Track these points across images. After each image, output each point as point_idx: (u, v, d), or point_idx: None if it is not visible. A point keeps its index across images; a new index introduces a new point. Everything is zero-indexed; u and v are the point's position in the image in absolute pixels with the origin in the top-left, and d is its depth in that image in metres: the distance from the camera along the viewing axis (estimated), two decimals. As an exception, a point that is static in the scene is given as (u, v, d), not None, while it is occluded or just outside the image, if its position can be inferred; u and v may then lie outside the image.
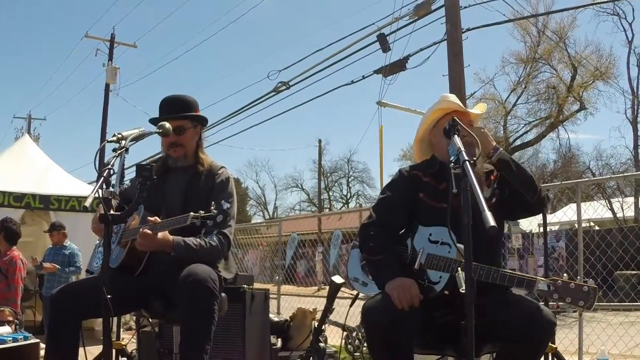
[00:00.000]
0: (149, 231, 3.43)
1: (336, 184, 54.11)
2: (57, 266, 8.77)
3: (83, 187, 10.81)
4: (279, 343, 6.53)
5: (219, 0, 71.13)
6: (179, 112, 3.84)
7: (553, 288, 2.91)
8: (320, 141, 44.86)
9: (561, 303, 2.94)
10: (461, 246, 2.81)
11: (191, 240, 3.56)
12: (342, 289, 4.91)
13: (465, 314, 2.43)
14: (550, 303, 4.32)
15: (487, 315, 2.81)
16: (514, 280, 2.97)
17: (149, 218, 3.52)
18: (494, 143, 3.21)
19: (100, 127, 23.25)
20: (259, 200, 58.25)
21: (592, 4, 22.32)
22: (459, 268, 2.88)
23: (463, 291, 2.55)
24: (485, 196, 2.41)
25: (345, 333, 7.80)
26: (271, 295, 8.90)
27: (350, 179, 53.29)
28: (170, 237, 3.50)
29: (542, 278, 2.96)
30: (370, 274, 3.34)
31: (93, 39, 24.46)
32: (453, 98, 3.41)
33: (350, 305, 4.68)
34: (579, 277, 6.40)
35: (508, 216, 3.41)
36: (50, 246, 9.24)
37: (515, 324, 2.85)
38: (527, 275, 3.00)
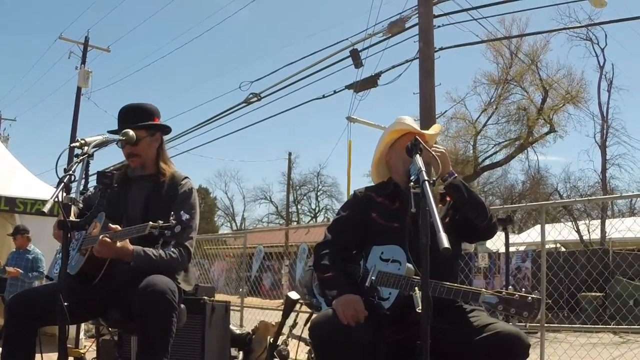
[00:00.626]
0: (107, 239, 3.41)
1: (305, 198, 54.17)
2: (20, 271, 8.67)
3: (50, 191, 10.60)
4: (240, 356, 6.52)
5: (194, 9, 70.86)
6: (133, 122, 3.80)
7: (497, 300, 2.93)
8: (290, 154, 44.84)
9: (506, 313, 2.96)
10: (409, 265, 2.88)
11: (151, 251, 3.55)
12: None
13: (418, 333, 2.43)
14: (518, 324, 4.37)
15: (454, 337, 2.86)
16: (459, 293, 2.99)
17: (110, 225, 3.50)
18: (450, 167, 3.23)
19: (70, 131, 23.11)
20: (227, 211, 57.90)
21: (566, 29, 22.67)
22: (416, 287, 2.89)
23: (419, 311, 2.56)
24: (440, 216, 2.42)
25: (308, 348, 7.80)
26: (235, 308, 8.89)
27: (319, 193, 53.31)
28: (131, 247, 3.49)
29: (486, 290, 2.98)
30: (320, 292, 3.36)
31: (67, 42, 24.36)
32: (409, 120, 3.48)
33: (305, 324, 4.67)
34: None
35: (461, 238, 3.45)
36: (14, 250, 9.13)
37: (495, 349, 2.83)
38: (472, 287, 3.03)
